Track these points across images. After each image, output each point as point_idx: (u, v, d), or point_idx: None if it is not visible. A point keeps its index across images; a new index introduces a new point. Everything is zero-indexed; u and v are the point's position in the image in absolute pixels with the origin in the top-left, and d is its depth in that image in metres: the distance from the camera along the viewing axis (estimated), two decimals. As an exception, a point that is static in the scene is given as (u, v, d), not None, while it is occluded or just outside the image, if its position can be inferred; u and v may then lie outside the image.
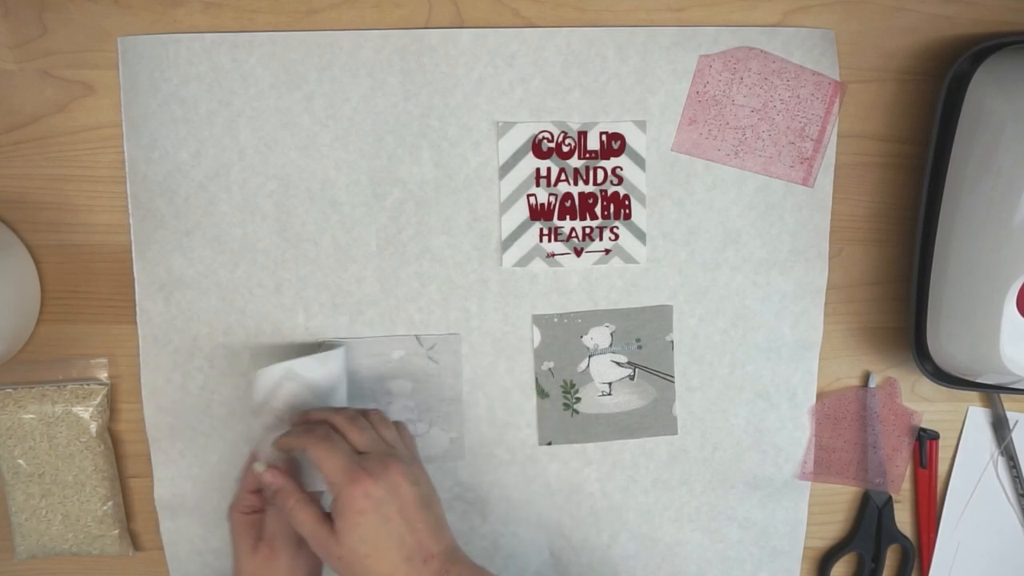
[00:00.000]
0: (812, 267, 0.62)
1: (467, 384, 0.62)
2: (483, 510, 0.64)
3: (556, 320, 0.62)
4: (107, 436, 0.61)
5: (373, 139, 0.59)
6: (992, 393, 0.64)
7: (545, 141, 0.60)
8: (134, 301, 0.60)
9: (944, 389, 0.61)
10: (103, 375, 0.61)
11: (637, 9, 0.58)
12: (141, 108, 0.57)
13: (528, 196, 0.60)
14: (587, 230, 0.61)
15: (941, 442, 0.65)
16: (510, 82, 0.59)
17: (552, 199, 0.60)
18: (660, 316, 0.62)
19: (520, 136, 0.59)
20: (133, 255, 0.59)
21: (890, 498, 0.65)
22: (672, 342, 0.63)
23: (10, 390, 0.60)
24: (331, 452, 0.49)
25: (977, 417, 0.65)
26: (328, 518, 0.49)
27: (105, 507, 0.61)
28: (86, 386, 0.60)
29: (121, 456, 0.62)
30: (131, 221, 0.59)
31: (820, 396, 0.64)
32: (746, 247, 0.62)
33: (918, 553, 0.67)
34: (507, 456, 0.63)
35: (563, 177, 0.60)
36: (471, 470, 0.63)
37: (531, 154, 0.60)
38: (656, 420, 0.63)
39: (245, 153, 0.58)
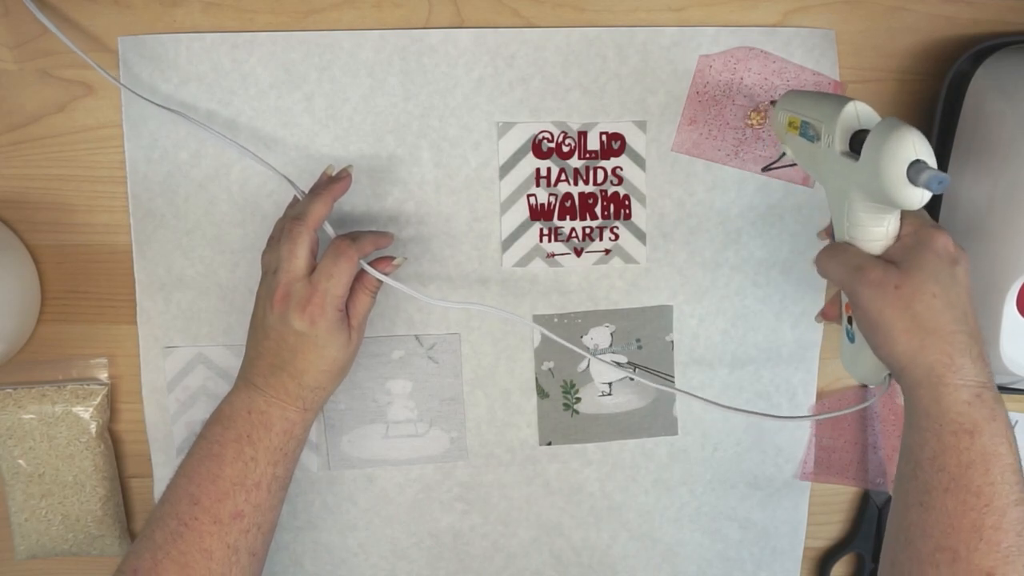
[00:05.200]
0: (812, 267, 0.62)
1: (467, 384, 0.62)
2: (483, 510, 0.64)
3: (556, 320, 0.62)
4: (107, 436, 0.61)
5: (373, 139, 0.59)
6: (992, 393, 0.64)
7: (545, 141, 0.60)
8: (134, 301, 0.60)
9: (944, 389, 0.61)
10: (103, 375, 0.61)
11: (637, 9, 0.58)
12: (141, 108, 0.57)
13: (528, 196, 0.60)
14: (587, 230, 0.61)
15: (941, 442, 0.65)
16: (510, 82, 0.59)
17: (552, 199, 0.60)
18: (660, 316, 0.62)
19: (520, 136, 0.59)
20: (133, 255, 0.59)
21: (890, 498, 0.65)
22: (672, 342, 0.63)
23: (10, 390, 0.60)
24: None
25: (977, 417, 0.65)
26: None
27: (105, 507, 0.61)
28: (86, 386, 0.60)
29: (121, 456, 0.62)
30: (131, 221, 0.59)
31: (820, 396, 0.64)
32: (746, 247, 0.62)
33: (918, 553, 0.67)
34: (507, 456, 0.63)
35: (563, 177, 0.60)
36: (471, 470, 0.63)
37: (531, 154, 0.60)
38: (656, 420, 0.63)
39: (245, 153, 0.58)
